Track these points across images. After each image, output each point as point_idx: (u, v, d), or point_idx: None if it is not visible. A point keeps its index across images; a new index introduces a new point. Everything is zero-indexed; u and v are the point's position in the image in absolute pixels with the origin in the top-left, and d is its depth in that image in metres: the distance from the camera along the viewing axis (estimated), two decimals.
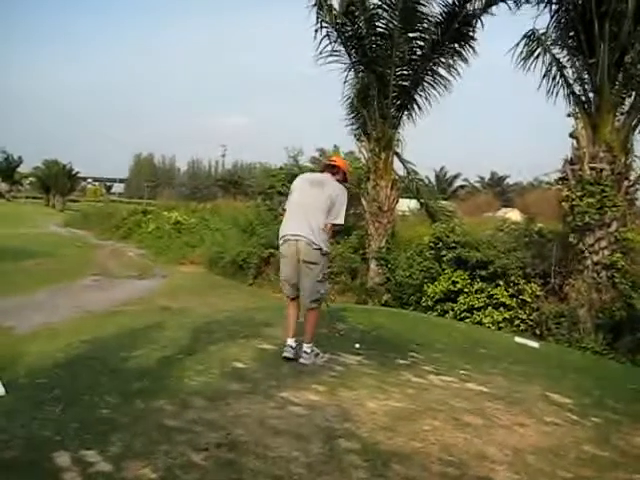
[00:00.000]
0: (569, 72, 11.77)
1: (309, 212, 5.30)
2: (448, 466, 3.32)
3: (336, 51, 14.57)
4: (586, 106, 11.32)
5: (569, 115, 11.48)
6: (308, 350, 5.31)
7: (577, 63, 11.60)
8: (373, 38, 14.24)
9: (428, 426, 3.88)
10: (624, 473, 3.47)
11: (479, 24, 13.82)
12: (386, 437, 3.66)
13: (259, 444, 3.40)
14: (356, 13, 13.89)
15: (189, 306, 12.34)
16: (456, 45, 14.36)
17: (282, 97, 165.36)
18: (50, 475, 2.91)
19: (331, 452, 3.39)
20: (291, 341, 5.40)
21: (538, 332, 10.74)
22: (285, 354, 5.36)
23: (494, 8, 13.32)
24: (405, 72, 14.76)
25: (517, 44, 11.90)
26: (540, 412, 4.39)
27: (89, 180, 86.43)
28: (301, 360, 5.27)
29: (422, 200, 18.10)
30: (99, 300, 13.36)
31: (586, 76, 11.37)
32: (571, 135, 11.26)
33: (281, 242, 5.40)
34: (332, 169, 5.61)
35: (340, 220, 5.37)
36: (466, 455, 3.49)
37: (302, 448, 3.40)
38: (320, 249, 5.19)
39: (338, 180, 5.52)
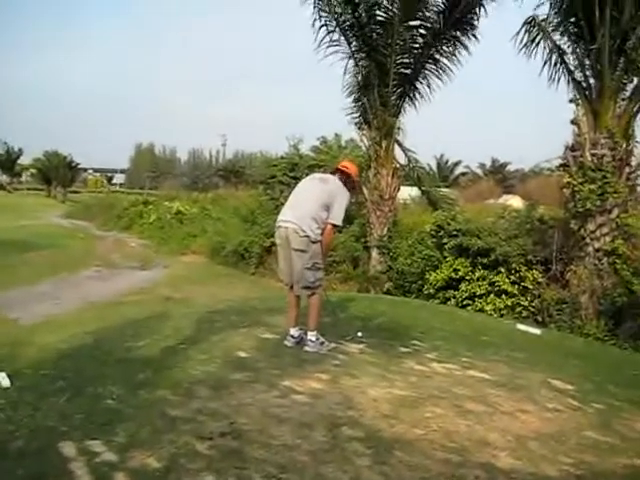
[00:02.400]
0: (570, 58, 11.76)
1: (304, 201, 5.34)
2: (450, 452, 3.35)
3: (335, 40, 14.55)
4: (587, 92, 11.28)
5: (570, 101, 11.45)
6: (313, 338, 5.33)
7: (578, 49, 11.55)
8: (373, 26, 14.14)
9: (430, 413, 3.90)
10: (625, 458, 3.49)
11: (482, 11, 13.84)
12: (389, 424, 3.68)
13: (263, 433, 3.43)
14: (356, 1, 13.82)
15: (191, 296, 12.38)
16: (458, 33, 14.31)
17: (282, 85, 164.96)
18: (56, 465, 2.94)
19: (334, 440, 3.41)
20: (293, 330, 5.45)
21: (540, 319, 10.75)
22: (286, 343, 5.42)
23: None
24: (406, 60, 14.69)
25: (518, 32, 11.92)
26: (542, 398, 4.41)
27: (90, 171, 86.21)
28: (306, 348, 5.29)
29: (423, 188, 18.05)
30: (102, 291, 13.42)
31: (587, 62, 11.33)
32: (572, 122, 11.23)
33: (275, 229, 5.47)
34: (342, 174, 5.59)
35: (338, 221, 5.35)
36: (468, 442, 3.51)
37: (305, 436, 3.42)
38: (308, 237, 5.18)
39: (345, 185, 5.51)
